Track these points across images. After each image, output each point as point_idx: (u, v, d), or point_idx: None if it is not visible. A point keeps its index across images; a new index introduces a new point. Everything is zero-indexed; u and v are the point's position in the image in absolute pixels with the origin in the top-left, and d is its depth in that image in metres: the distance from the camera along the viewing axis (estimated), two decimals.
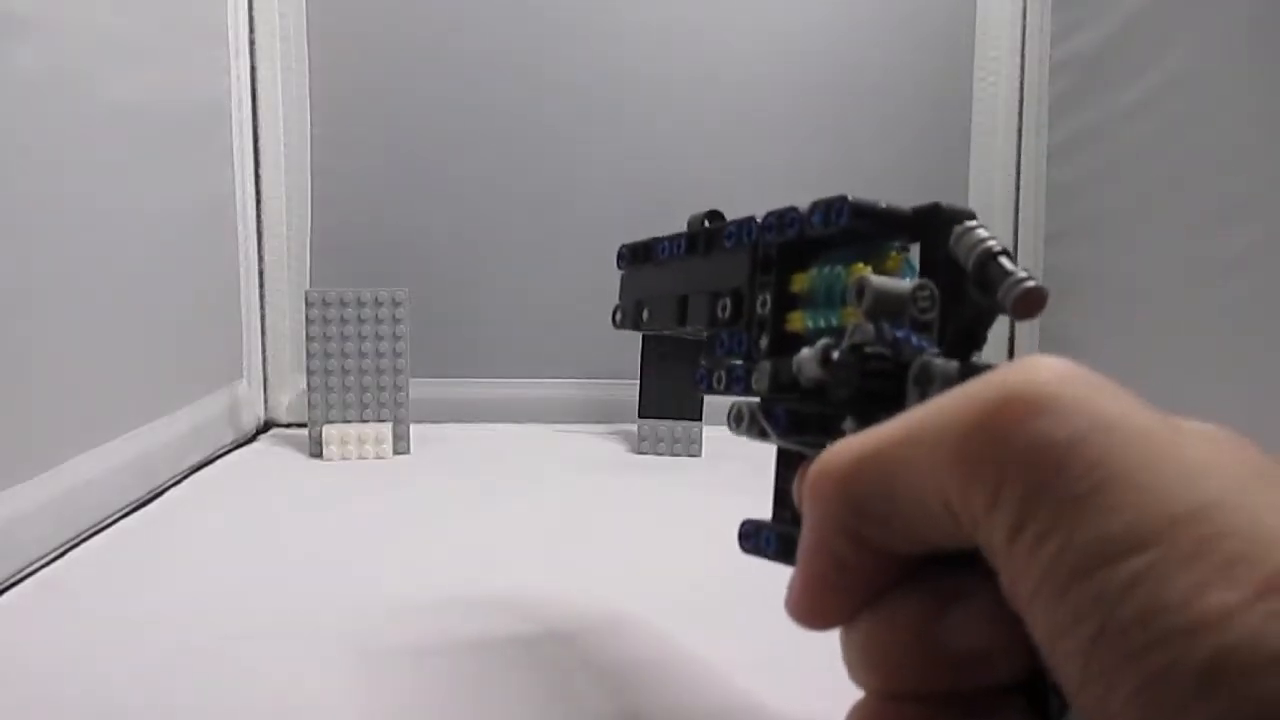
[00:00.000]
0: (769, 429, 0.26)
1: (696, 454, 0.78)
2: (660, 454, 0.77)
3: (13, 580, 0.48)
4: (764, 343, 0.29)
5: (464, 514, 0.61)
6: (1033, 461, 0.15)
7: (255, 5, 0.83)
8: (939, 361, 0.21)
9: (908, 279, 0.24)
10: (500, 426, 0.87)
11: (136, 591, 0.47)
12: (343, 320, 0.76)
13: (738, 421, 0.28)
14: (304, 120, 0.85)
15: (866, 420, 0.22)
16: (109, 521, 0.58)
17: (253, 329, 0.84)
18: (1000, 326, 0.90)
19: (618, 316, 0.37)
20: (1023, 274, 0.22)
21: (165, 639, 0.41)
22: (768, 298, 0.28)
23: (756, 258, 0.29)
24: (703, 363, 0.31)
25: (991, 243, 0.23)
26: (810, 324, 0.27)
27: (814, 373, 0.24)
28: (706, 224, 0.33)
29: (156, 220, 0.66)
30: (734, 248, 0.30)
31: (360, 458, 0.74)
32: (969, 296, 0.23)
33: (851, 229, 0.26)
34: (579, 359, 0.89)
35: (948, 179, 0.89)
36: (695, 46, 0.87)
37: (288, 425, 0.87)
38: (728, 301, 0.30)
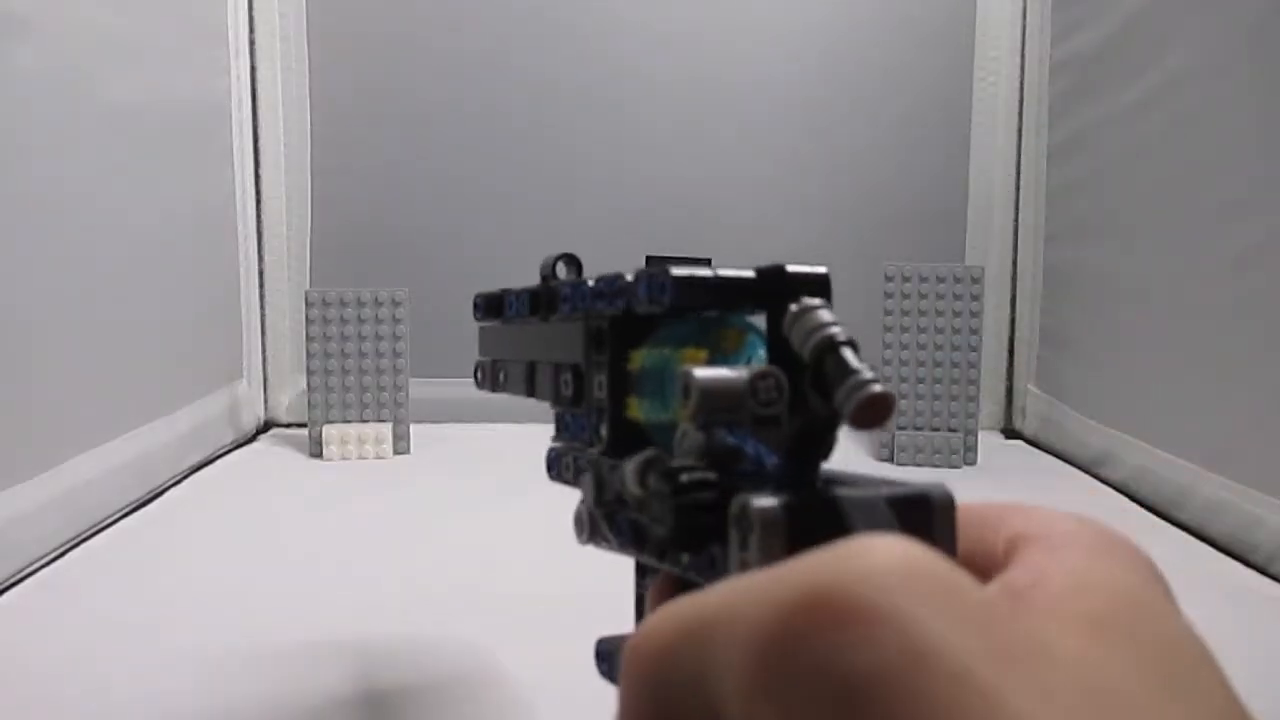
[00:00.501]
0: (611, 539, 0.24)
1: None
2: None
3: (13, 580, 0.48)
4: (604, 431, 0.25)
5: (464, 514, 0.61)
6: (821, 695, 0.12)
7: (255, 5, 0.83)
8: (758, 504, 0.17)
9: (747, 363, 0.21)
10: (500, 426, 0.87)
11: (136, 591, 0.47)
12: (343, 320, 0.76)
13: (579, 528, 0.25)
14: (304, 120, 0.85)
15: (699, 555, 0.19)
16: (109, 521, 0.58)
17: (253, 329, 0.84)
18: (999, 326, 0.90)
19: (478, 375, 0.34)
20: (867, 374, 0.18)
21: (165, 639, 0.41)
22: (603, 380, 0.25)
23: (590, 331, 0.26)
24: (553, 443, 0.29)
25: (833, 330, 0.19)
26: (645, 415, 0.24)
27: (635, 493, 0.21)
28: (555, 272, 0.29)
29: (157, 220, 0.66)
30: (570, 314, 0.27)
31: (360, 458, 0.74)
32: (806, 396, 0.19)
33: (681, 306, 0.22)
34: None
35: (948, 179, 0.89)
36: (695, 47, 0.87)
37: (288, 425, 0.87)
38: (569, 378, 0.27)
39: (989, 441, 0.84)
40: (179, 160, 0.70)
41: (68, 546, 0.53)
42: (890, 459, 0.77)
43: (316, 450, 0.74)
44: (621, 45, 0.87)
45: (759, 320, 0.22)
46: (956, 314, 0.77)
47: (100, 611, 0.44)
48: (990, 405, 0.89)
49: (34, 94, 0.51)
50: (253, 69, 0.83)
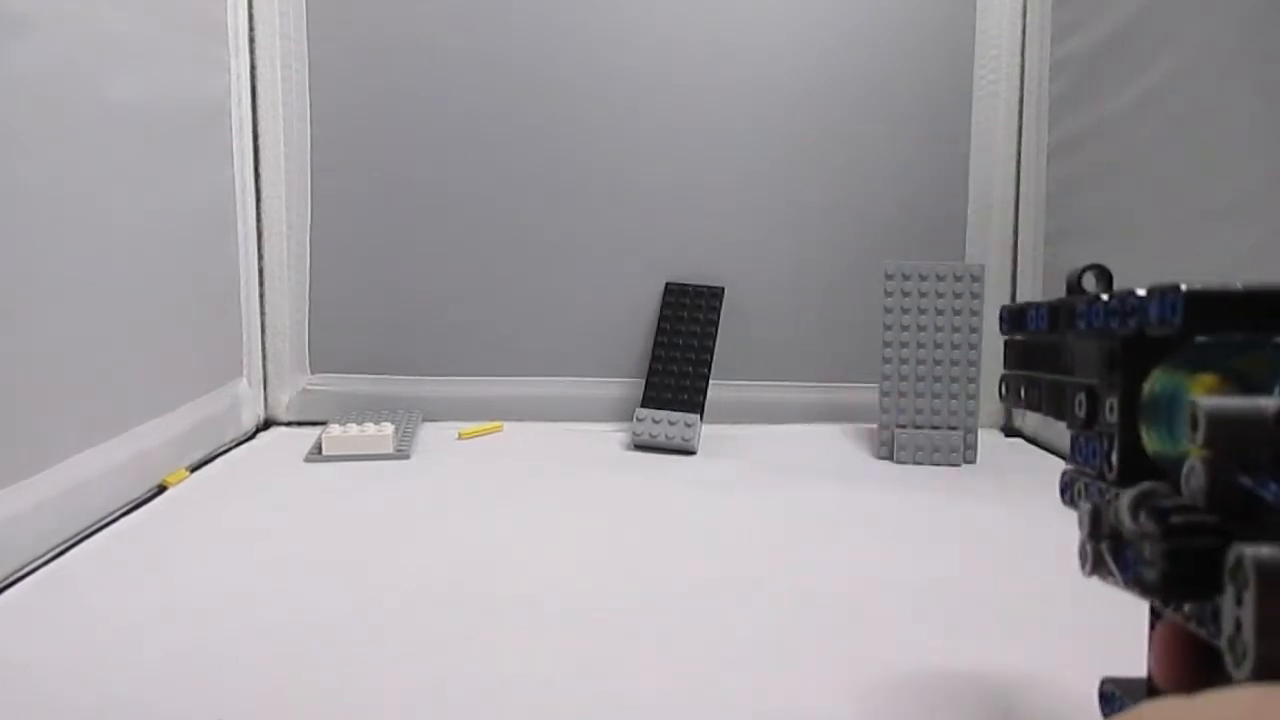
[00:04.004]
0: (1115, 574, 0.22)
1: (693, 450, 0.78)
2: (660, 451, 0.77)
3: (13, 578, 0.48)
4: (1114, 460, 0.23)
5: (464, 512, 0.61)
6: None
7: (255, 3, 0.83)
8: (1255, 554, 0.15)
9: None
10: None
11: (136, 589, 0.47)
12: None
13: (1082, 559, 0.23)
14: (304, 119, 0.85)
15: (1202, 605, 0.18)
16: (109, 519, 0.58)
17: (253, 328, 0.84)
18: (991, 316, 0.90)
19: (1003, 389, 0.33)
20: None
21: (165, 636, 0.41)
22: (1114, 403, 0.23)
23: (1103, 351, 0.24)
24: (1068, 465, 0.28)
25: None
26: (1154, 447, 0.21)
27: (1128, 527, 0.19)
28: (1081, 284, 0.28)
29: (157, 219, 0.66)
30: (1085, 332, 0.25)
31: (360, 457, 0.74)
32: None
33: (1195, 328, 0.19)
34: (578, 357, 0.89)
35: (948, 179, 0.89)
36: (696, 49, 0.87)
37: (287, 424, 0.87)
38: (1083, 399, 0.25)
39: (989, 439, 0.84)
40: (179, 158, 0.70)
41: (67, 545, 0.53)
42: (890, 457, 0.77)
43: (316, 449, 0.74)
44: (621, 49, 0.87)
45: None
46: (957, 312, 0.77)
47: (100, 610, 0.44)
48: (990, 403, 0.90)
49: (32, 92, 0.51)
50: (253, 67, 0.83)
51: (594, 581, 0.49)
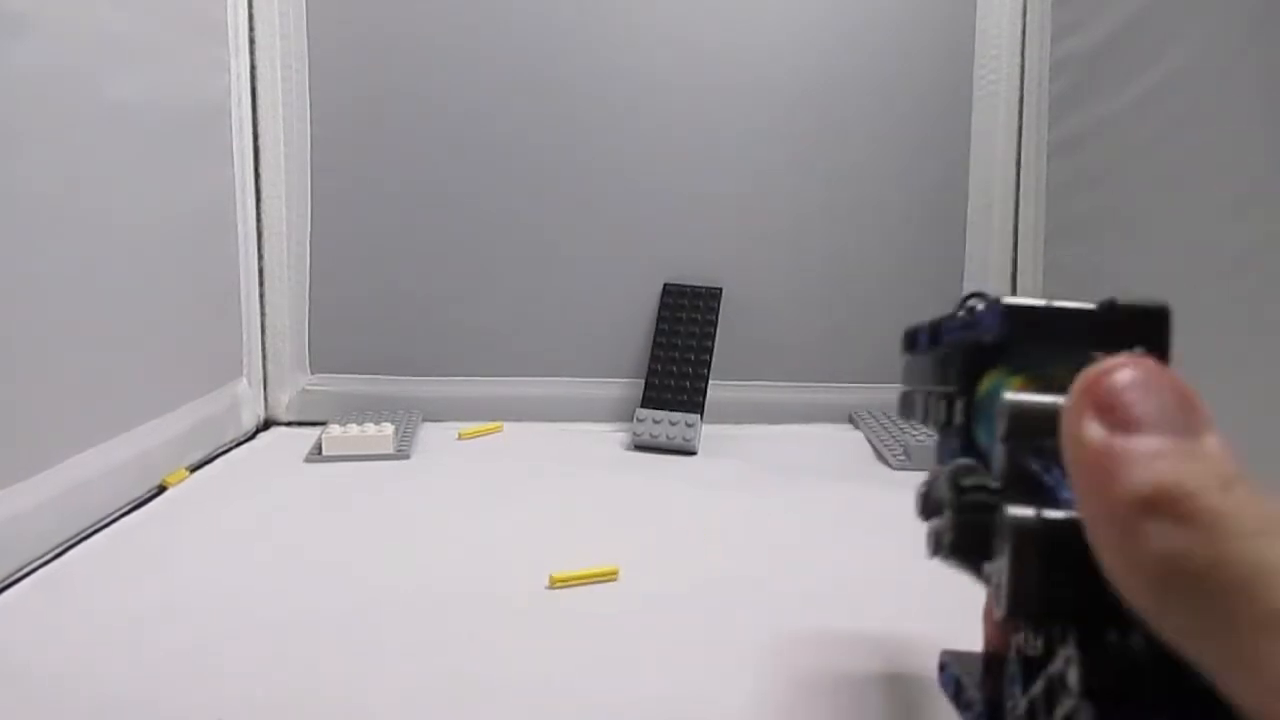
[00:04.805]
0: (950, 555, 0.23)
1: (694, 450, 0.78)
2: (660, 451, 0.77)
3: (13, 578, 0.48)
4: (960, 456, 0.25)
5: (464, 512, 0.61)
6: None
7: (255, 3, 0.83)
8: (1012, 512, 0.17)
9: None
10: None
11: (136, 590, 0.47)
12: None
13: (930, 544, 0.25)
14: (304, 119, 0.85)
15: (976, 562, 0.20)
16: (109, 519, 0.58)
17: (253, 328, 0.84)
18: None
19: (899, 406, 0.35)
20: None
21: (165, 637, 0.41)
22: (961, 405, 0.26)
23: (950, 359, 0.27)
24: (934, 465, 0.29)
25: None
26: (983, 439, 0.24)
27: (944, 498, 0.21)
28: (965, 305, 0.30)
29: (156, 219, 0.66)
30: (947, 345, 0.27)
31: (360, 457, 0.74)
32: None
33: (1010, 336, 0.22)
34: (578, 357, 0.89)
35: (947, 179, 0.89)
36: (696, 49, 0.87)
37: (288, 424, 0.87)
38: (942, 405, 0.27)
39: None
40: (179, 158, 0.70)
41: (67, 545, 0.53)
42: (906, 464, 0.76)
43: (316, 449, 0.74)
44: (621, 50, 0.87)
45: None
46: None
47: (100, 611, 0.44)
48: None
49: (32, 92, 0.51)
50: (252, 67, 0.83)
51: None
